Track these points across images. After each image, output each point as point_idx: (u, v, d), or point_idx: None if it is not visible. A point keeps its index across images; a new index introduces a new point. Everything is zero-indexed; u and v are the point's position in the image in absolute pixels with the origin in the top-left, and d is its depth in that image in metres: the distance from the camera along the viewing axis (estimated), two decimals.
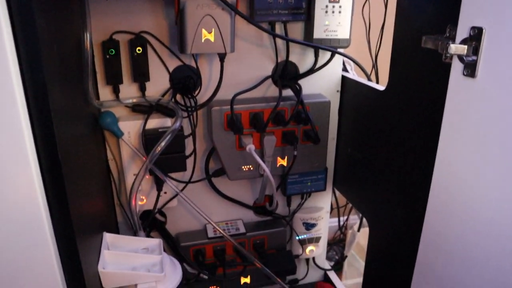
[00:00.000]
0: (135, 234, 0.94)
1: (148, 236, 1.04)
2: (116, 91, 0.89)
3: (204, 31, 0.80)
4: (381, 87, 0.86)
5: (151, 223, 1.03)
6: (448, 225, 0.62)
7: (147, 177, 0.95)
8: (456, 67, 0.57)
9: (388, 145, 0.83)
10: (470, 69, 0.54)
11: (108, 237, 0.81)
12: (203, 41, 0.81)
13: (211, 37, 0.81)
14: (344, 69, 1.05)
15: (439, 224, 0.64)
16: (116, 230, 1.00)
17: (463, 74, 0.55)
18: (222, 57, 0.85)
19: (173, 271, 0.81)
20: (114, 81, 0.88)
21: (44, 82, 0.50)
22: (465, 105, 0.56)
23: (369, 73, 1.07)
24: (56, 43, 0.58)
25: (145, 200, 0.97)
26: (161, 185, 0.94)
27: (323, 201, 1.14)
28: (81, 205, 0.67)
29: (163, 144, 0.81)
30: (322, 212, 1.12)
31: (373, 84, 0.91)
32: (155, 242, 0.84)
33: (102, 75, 0.88)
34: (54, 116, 0.52)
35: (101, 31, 0.85)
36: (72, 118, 0.68)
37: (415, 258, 0.70)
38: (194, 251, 1.02)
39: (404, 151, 0.78)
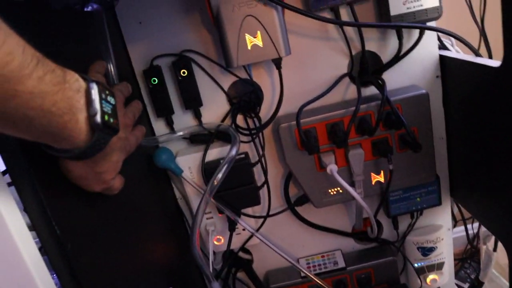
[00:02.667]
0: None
1: (234, 277, 0.91)
2: (169, 123, 0.78)
3: (248, 37, 0.65)
4: (495, 62, 0.63)
5: (235, 262, 0.91)
6: None
7: (219, 215, 0.82)
8: None
9: None
10: None
11: None
12: (249, 48, 0.66)
13: (259, 42, 0.65)
14: (442, 46, 0.82)
15: None
16: (199, 281, 0.89)
17: None
18: (277, 63, 0.69)
19: None
20: (165, 112, 0.77)
21: None
22: None
23: (476, 46, 0.82)
24: None
25: (222, 240, 0.85)
26: (233, 224, 0.81)
27: (441, 217, 0.90)
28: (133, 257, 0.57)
29: (219, 176, 0.68)
30: (442, 232, 0.89)
31: (483, 60, 0.67)
32: None
33: (151, 107, 0.78)
34: None
35: (141, 59, 0.75)
36: None
37: None
38: None
39: None
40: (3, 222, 0.39)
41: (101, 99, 0.42)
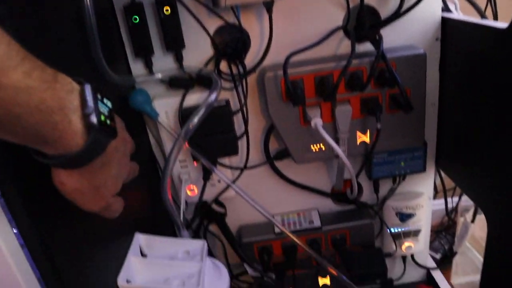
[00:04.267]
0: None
1: (206, 230, 0.89)
2: (148, 65, 0.73)
3: None
4: (501, 24, 0.59)
5: (208, 215, 0.88)
6: None
7: (194, 164, 0.79)
8: None
9: None
10: None
11: (141, 239, 0.67)
12: None
13: None
14: (446, 8, 0.77)
15: None
16: (169, 230, 0.86)
17: None
18: (268, 6, 0.64)
19: (216, 282, 0.64)
20: (144, 52, 0.72)
21: None
22: None
23: (483, 8, 0.77)
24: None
25: (195, 191, 0.82)
26: (208, 173, 0.77)
27: (423, 184, 0.88)
28: None
29: (195, 120, 0.63)
30: (422, 199, 0.87)
31: (489, 22, 0.63)
32: (198, 244, 0.68)
33: (130, 46, 0.72)
34: None
35: None
36: None
37: None
38: (259, 249, 0.85)
39: None
40: None
41: (96, 99, 0.38)
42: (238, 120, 0.76)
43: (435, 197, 1.02)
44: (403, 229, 0.89)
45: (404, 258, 0.96)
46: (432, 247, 1.20)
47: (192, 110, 0.71)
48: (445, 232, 1.23)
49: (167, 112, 0.74)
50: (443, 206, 1.09)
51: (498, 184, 0.63)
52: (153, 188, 0.81)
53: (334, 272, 0.72)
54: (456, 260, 1.17)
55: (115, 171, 0.45)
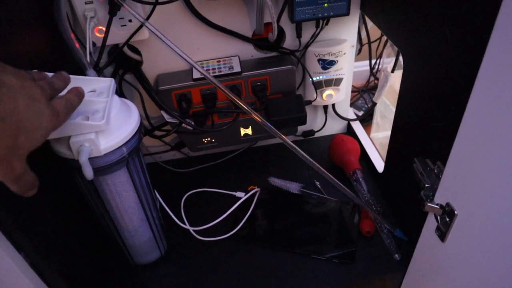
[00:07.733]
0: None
1: (121, 79, 0.84)
2: None
3: None
4: None
5: (123, 63, 0.82)
6: None
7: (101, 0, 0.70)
8: None
9: None
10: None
11: None
12: None
13: None
14: None
15: None
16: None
17: None
18: None
19: (126, 119, 0.61)
20: None
21: None
22: None
23: None
24: None
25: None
26: (114, 7, 0.70)
27: (346, 31, 0.86)
28: None
29: None
30: (345, 46, 0.85)
31: None
32: (105, 82, 0.63)
33: None
34: None
35: None
36: None
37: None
38: (177, 96, 0.82)
39: None
40: None
41: None
42: None
43: (360, 50, 1.01)
44: (324, 77, 0.88)
45: (325, 108, 0.96)
46: (355, 106, 1.23)
47: None
48: (367, 93, 1.26)
49: None
50: (367, 68, 1.09)
51: (416, 25, 0.61)
52: (52, 25, 0.72)
53: (257, 118, 0.70)
54: (376, 119, 1.21)
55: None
